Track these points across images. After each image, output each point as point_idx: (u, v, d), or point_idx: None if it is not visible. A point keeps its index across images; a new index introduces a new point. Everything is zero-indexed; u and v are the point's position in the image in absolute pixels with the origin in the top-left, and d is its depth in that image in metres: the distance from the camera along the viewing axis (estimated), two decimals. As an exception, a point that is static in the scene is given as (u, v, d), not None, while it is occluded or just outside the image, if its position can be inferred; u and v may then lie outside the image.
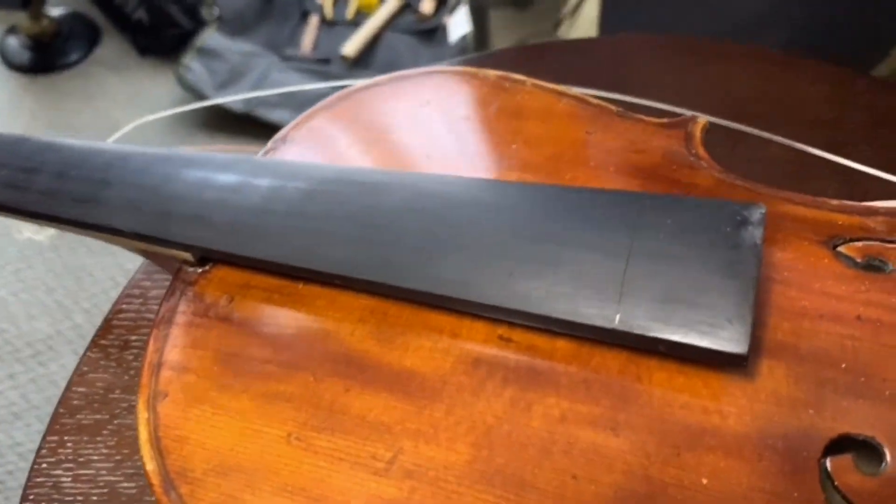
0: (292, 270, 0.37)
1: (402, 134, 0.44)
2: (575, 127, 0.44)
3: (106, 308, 0.49)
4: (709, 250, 0.32)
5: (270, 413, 0.34)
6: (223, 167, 0.40)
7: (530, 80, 0.47)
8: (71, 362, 1.11)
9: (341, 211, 0.37)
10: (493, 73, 0.48)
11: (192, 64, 1.58)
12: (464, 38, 1.61)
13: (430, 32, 1.70)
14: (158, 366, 0.36)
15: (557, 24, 1.51)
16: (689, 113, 0.47)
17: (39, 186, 0.41)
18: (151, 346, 0.37)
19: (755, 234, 0.32)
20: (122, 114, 1.64)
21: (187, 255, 0.39)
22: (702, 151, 0.42)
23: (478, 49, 1.64)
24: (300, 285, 0.38)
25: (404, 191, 0.37)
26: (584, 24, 1.40)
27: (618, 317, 0.32)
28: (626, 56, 0.58)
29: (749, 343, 0.30)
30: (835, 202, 0.40)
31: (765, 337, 0.33)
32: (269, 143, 0.44)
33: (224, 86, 1.58)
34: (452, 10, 1.68)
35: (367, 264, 0.35)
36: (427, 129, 0.44)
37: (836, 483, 0.30)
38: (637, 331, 0.31)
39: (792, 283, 0.35)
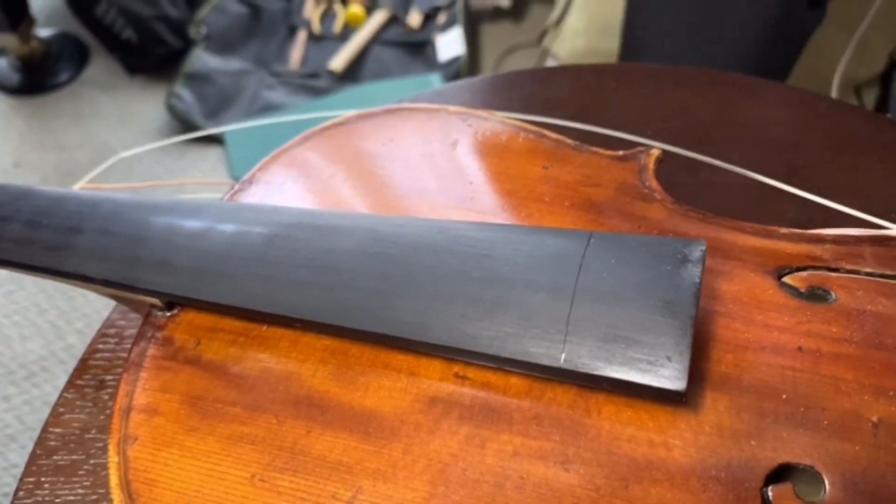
0: (255, 314, 0.39)
1: (363, 174, 0.46)
2: (533, 162, 0.45)
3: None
4: (650, 289, 0.33)
5: (235, 455, 0.35)
6: (190, 213, 0.41)
7: (493, 116, 0.49)
8: (64, 383, 1.12)
9: (299, 256, 0.38)
10: (455, 109, 0.49)
11: (182, 92, 1.60)
12: (457, 59, 1.62)
13: (419, 45, 1.71)
14: (128, 410, 0.38)
15: (543, 35, 1.53)
16: (645, 143, 0.48)
17: (11, 235, 0.42)
18: (122, 390, 0.38)
19: (694, 272, 0.34)
20: (113, 134, 1.65)
21: (155, 301, 0.40)
22: (654, 183, 0.44)
23: (470, 67, 1.65)
24: (264, 327, 0.39)
25: (360, 234, 0.38)
26: (567, 34, 1.42)
27: (563, 356, 0.33)
28: (589, 85, 0.59)
29: (687, 380, 0.31)
30: (784, 231, 0.41)
31: (708, 370, 0.35)
32: (237, 184, 0.46)
33: (215, 112, 1.60)
34: (443, 27, 1.69)
35: (324, 308, 0.37)
36: (387, 169, 0.46)
37: None
38: (582, 369, 0.33)
39: (736, 316, 0.36)
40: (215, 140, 1.56)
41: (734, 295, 0.37)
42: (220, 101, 1.63)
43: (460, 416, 0.35)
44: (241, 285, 0.38)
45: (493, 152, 0.46)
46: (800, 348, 0.35)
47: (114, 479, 0.36)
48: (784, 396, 0.34)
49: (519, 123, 0.48)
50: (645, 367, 0.32)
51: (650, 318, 0.33)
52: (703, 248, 0.35)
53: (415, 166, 0.46)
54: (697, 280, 0.33)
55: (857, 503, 0.31)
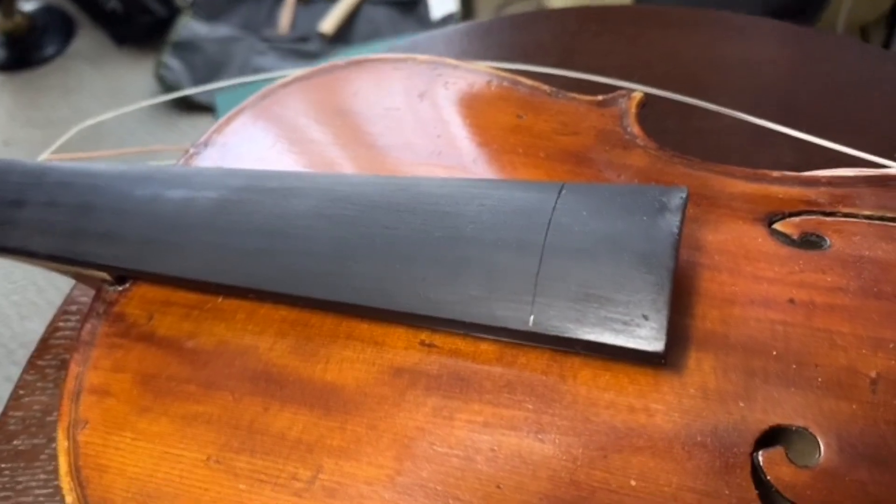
0: (207, 286, 0.36)
1: (324, 131, 0.43)
2: (506, 111, 0.42)
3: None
4: (624, 242, 0.30)
5: (190, 436, 0.33)
6: (138, 181, 0.39)
7: (464, 65, 0.45)
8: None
9: (251, 221, 0.35)
10: (423, 58, 0.46)
11: (170, 61, 1.56)
12: (451, 16, 1.58)
13: (411, 4, 1.67)
14: (78, 392, 0.35)
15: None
16: (629, 86, 0.45)
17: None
18: (71, 371, 0.36)
19: (672, 221, 0.31)
20: (103, 108, 1.61)
21: (104, 275, 0.38)
22: (637, 129, 0.41)
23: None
24: (219, 299, 0.37)
25: (316, 196, 0.35)
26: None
27: (531, 318, 0.30)
28: (572, 30, 0.56)
29: (665, 340, 0.29)
30: (776, 174, 0.38)
31: (692, 327, 0.32)
32: (191, 148, 0.43)
33: (205, 81, 1.56)
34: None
35: (276, 276, 0.34)
36: (351, 124, 0.43)
37: (767, 477, 0.29)
38: (552, 332, 0.30)
39: (722, 268, 0.33)
40: (206, 109, 1.53)
41: (720, 245, 0.34)
42: (209, 69, 1.59)
43: (427, 386, 0.33)
44: (191, 255, 0.36)
45: (462, 102, 0.43)
46: (791, 300, 0.32)
47: (63, 466, 0.34)
48: (774, 353, 0.31)
49: (492, 71, 0.45)
50: (619, 327, 0.29)
51: (624, 274, 0.30)
52: (684, 194, 0.32)
53: (379, 120, 0.43)
54: (676, 230, 0.30)
55: (854, 465, 0.28)
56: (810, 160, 0.47)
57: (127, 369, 0.36)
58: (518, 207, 0.33)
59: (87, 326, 0.37)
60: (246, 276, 0.34)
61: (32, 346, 1.37)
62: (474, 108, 0.43)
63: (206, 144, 0.43)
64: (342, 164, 0.41)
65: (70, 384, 0.36)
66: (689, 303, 0.32)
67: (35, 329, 1.31)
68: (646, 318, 0.29)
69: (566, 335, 0.30)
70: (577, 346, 0.30)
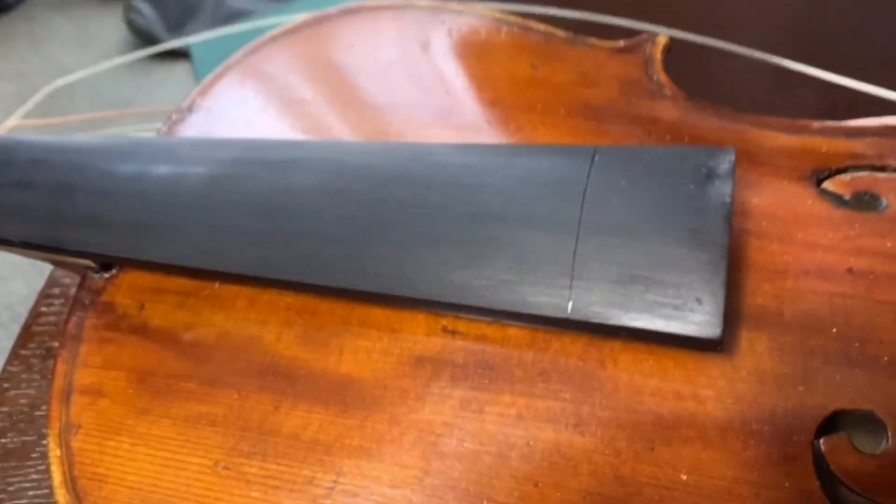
0: (202, 272, 0.33)
1: (320, 90, 0.39)
2: (519, 61, 0.38)
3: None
4: (670, 216, 0.27)
5: (195, 439, 0.30)
6: (120, 156, 0.35)
7: (468, 8, 0.41)
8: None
9: (248, 199, 0.32)
10: (424, 3, 0.42)
11: (140, 5, 1.48)
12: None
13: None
14: (68, 393, 0.32)
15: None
16: (649, 29, 0.41)
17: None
18: (59, 370, 0.33)
19: (724, 189, 0.27)
20: (72, 57, 1.54)
21: (88, 262, 0.34)
22: (663, 77, 0.37)
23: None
24: (216, 285, 0.33)
25: (320, 168, 0.32)
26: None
27: (570, 304, 0.27)
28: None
29: (723, 325, 0.26)
30: (816, 125, 0.35)
31: (743, 304, 0.29)
32: (174, 114, 0.39)
33: (178, 24, 1.48)
34: None
35: (281, 262, 0.31)
36: (348, 81, 0.39)
37: (831, 467, 0.26)
38: (594, 319, 0.27)
39: (772, 236, 0.30)
40: (182, 55, 1.46)
41: (768, 209, 0.31)
42: (181, 12, 1.51)
43: (452, 376, 0.30)
44: (184, 240, 0.32)
45: (471, 52, 0.39)
46: (850, 270, 0.29)
47: (57, 477, 0.31)
48: (835, 330, 0.28)
49: (501, 16, 0.41)
50: (670, 312, 0.26)
51: (673, 252, 0.27)
52: (732, 157, 0.28)
53: (380, 76, 0.39)
54: (729, 199, 0.27)
55: None
56: (836, 104, 0.44)
57: (120, 366, 0.32)
58: (548, 177, 0.29)
59: (74, 319, 0.34)
60: (247, 262, 0.31)
61: (17, 308, 1.33)
62: (484, 58, 0.39)
63: (189, 110, 0.39)
64: (340, 128, 0.38)
65: (59, 383, 0.33)
66: (738, 277, 0.29)
67: (18, 290, 1.28)
68: (699, 301, 0.26)
69: (610, 322, 0.27)
70: (623, 333, 0.28)
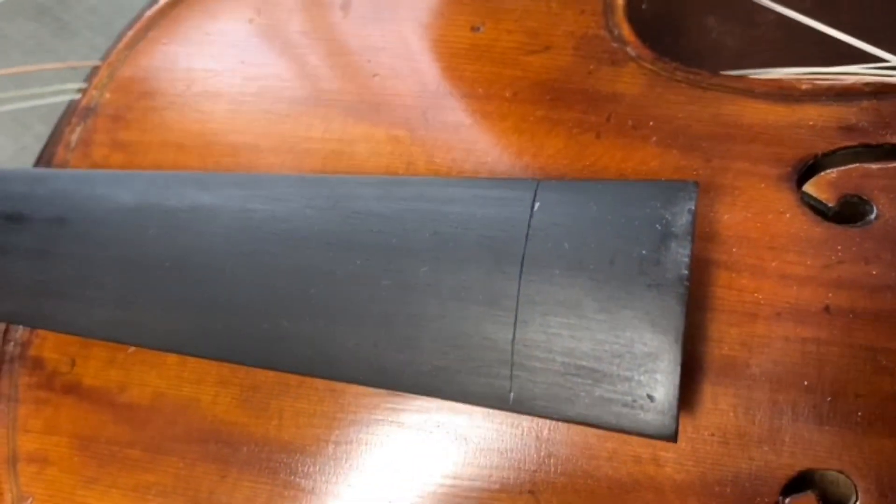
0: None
1: (219, 79, 0.33)
2: (457, 23, 0.32)
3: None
4: (619, 291, 0.24)
5: None
6: (12, 205, 0.30)
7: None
8: None
9: (147, 259, 0.28)
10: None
11: None
12: None
13: None
14: (14, 460, 0.31)
15: None
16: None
17: None
18: (0, 433, 0.32)
19: (680, 257, 0.23)
20: None
21: None
22: (626, 31, 0.31)
23: None
24: None
25: (228, 221, 0.27)
26: None
27: (512, 396, 0.25)
28: None
29: (677, 423, 0.23)
30: (804, 85, 0.30)
31: (707, 354, 0.26)
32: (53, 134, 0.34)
33: None
34: None
35: (193, 337, 0.27)
36: (252, 63, 0.33)
37: None
38: (539, 412, 0.25)
39: (742, 267, 0.27)
40: None
41: (739, 230, 0.27)
42: None
43: (409, 440, 0.28)
44: (84, 308, 0.29)
45: (398, 14, 0.33)
46: (827, 308, 0.26)
47: (17, 553, 0.31)
48: (805, 383, 0.26)
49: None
50: (619, 410, 0.24)
51: (622, 338, 0.23)
52: (692, 206, 0.24)
53: (287, 53, 0.33)
54: (686, 272, 0.23)
55: None
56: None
57: (61, 431, 0.31)
58: (482, 234, 0.25)
59: (5, 378, 0.32)
60: (160, 338, 0.28)
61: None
62: (415, 20, 0.33)
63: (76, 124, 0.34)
64: (247, 126, 0.33)
65: (2, 451, 0.31)
66: (702, 321, 0.26)
67: None
68: (651, 398, 0.23)
69: (556, 416, 0.24)
70: (572, 422, 0.25)
